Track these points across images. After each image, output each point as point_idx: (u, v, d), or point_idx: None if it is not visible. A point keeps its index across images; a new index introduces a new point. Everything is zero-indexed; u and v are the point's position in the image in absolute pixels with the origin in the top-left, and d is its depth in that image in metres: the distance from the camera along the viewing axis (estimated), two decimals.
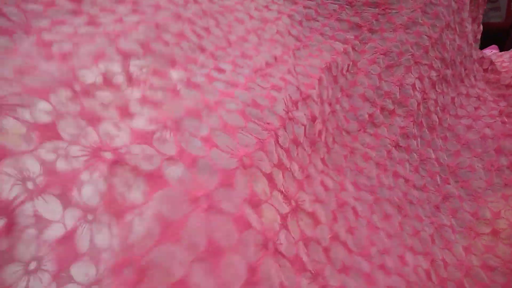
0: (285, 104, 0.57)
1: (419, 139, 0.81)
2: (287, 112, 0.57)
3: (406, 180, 0.73)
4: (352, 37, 0.86)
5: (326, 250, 0.50)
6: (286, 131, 0.55)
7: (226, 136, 0.46)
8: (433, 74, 0.89)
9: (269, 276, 0.39)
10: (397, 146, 0.77)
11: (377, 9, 0.90)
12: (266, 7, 0.81)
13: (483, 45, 1.44)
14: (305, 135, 0.60)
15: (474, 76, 1.04)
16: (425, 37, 0.90)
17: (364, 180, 0.68)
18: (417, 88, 0.85)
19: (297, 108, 0.59)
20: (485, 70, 1.12)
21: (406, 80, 0.84)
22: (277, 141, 0.52)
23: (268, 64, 0.64)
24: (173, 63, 0.51)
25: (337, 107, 0.73)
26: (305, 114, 0.60)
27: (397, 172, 0.74)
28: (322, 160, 0.63)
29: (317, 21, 0.86)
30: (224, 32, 0.65)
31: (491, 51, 1.47)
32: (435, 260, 0.62)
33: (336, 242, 0.52)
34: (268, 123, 0.52)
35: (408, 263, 0.59)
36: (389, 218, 0.65)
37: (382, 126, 0.77)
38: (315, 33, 0.83)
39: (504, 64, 1.19)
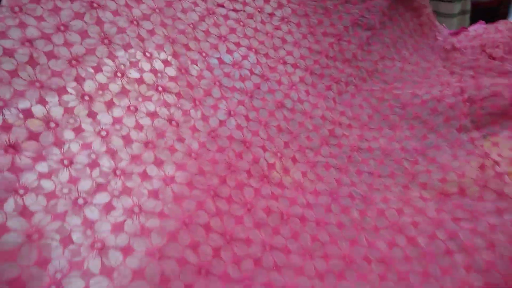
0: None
1: (380, 139, 0.96)
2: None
3: (371, 173, 0.87)
4: (312, 62, 1.04)
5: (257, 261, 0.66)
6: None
7: None
8: (376, 93, 1.08)
9: None
10: (358, 149, 0.92)
11: (333, 38, 1.10)
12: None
13: (473, 23, 1.55)
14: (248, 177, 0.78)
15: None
16: (363, 70, 1.11)
17: (324, 186, 0.83)
18: (365, 106, 1.04)
19: (241, 158, 0.79)
20: (447, 52, 1.28)
21: (354, 102, 1.03)
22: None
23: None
24: None
25: (301, 130, 0.91)
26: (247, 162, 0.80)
27: (360, 170, 0.88)
28: (277, 185, 0.80)
29: (284, 49, 1.03)
30: None
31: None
32: (405, 227, 0.76)
33: (271, 251, 0.68)
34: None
35: (365, 243, 0.73)
36: (347, 210, 0.78)
37: (343, 137, 0.94)
38: (278, 63, 1.00)
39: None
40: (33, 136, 0.61)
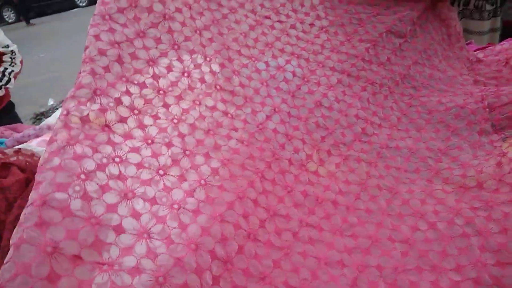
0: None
1: (407, 139, 1.06)
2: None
3: (398, 168, 0.97)
4: (349, 66, 1.15)
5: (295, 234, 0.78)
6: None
7: None
8: (406, 98, 1.19)
9: None
10: (387, 147, 1.02)
11: (369, 44, 1.21)
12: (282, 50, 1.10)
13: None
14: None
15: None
16: (397, 74, 1.21)
17: (354, 177, 0.94)
18: (395, 109, 1.14)
19: (283, 148, 0.91)
20: (472, 63, 1.37)
21: (385, 104, 1.14)
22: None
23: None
24: None
25: (336, 126, 1.02)
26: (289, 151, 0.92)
27: (388, 165, 0.98)
28: (314, 173, 0.92)
29: (323, 54, 1.15)
30: None
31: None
32: (425, 214, 0.86)
33: (307, 228, 0.80)
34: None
35: (390, 226, 0.84)
36: (375, 198, 0.89)
37: (373, 135, 1.04)
38: (318, 66, 1.11)
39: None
40: (122, 119, 0.75)
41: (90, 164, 0.66)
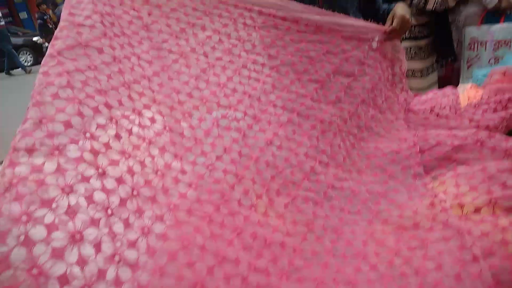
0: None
1: (350, 181, 1.12)
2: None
3: (342, 209, 1.02)
4: (299, 105, 1.19)
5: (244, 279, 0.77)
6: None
7: None
8: (351, 138, 1.25)
9: None
10: (332, 187, 1.07)
11: (317, 84, 1.26)
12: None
13: None
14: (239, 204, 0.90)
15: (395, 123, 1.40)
16: (346, 111, 1.28)
17: (302, 218, 0.96)
18: (342, 147, 1.20)
19: (233, 189, 0.92)
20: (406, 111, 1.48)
21: (334, 142, 1.19)
22: None
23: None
24: None
25: (286, 165, 1.05)
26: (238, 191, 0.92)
27: (333, 205, 1.03)
28: (263, 214, 0.92)
29: (274, 93, 1.18)
30: None
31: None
32: (367, 255, 0.89)
33: (255, 273, 0.80)
34: None
35: (335, 268, 0.86)
36: (320, 239, 0.92)
37: (321, 174, 1.09)
38: (269, 105, 1.15)
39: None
40: (72, 141, 0.75)
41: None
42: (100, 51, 0.89)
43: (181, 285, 0.70)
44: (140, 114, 0.88)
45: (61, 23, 0.89)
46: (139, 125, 0.87)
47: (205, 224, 0.82)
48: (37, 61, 11.19)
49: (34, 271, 0.56)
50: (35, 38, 11.29)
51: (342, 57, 1.34)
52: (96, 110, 0.80)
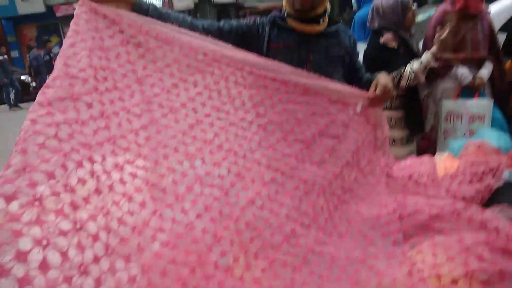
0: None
1: (331, 245, 1.12)
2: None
3: (321, 276, 1.00)
4: (283, 164, 1.19)
5: None
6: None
7: None
8: (335, 199, 1.26)
9: None
10: (312, 251, 1.06)
11: (302, 144, 1.28)
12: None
13: None
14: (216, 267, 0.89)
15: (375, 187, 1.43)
16: (330, 173, 1.30)
17: (279, 284, 0.94)
18: (325, 209, 1.20)
19: (211, 250, 0.90)
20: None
21: (317, 203, 1.20)
22: None
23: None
24: None
25: (266, 226, 1.03)
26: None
27: (312, 271, 1.01)
28: (239, 278, 0.90)
29: (259, 151, 1.18)
30: None
31: None
32: None
33: None
34: None
35: None
36: None
37: (302, 237, 1.08)
38: (253, 163, 1.14)
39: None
40: (55, 193, 0.73)
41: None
42: (89, 105, 0.90)
43: None
44: (122, 169, 0.88)
45: (55, 72, 0.90)
46: (121, 181, 0.86)
47: None
48: (22, 99, 11.22)
49: None
50: (23, 77, 11.37)
51: (328, 120, 1.38)
52: (80, 164, 0.80)
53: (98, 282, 0.70)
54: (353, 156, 1.40)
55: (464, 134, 2.41)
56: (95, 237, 0.74)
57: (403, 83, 2.20)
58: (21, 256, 0.61)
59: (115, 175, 0.86)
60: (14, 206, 0.66)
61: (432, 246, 1.04)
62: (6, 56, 10.80)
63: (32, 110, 0.80)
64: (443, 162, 1.80)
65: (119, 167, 0.87)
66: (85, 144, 0.84)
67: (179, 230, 0.89)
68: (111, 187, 0.83)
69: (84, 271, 0.68)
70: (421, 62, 2.13)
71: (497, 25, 2.68)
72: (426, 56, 2.12)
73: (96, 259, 0.71)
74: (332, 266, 1.05)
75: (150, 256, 0.80)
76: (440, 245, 1.04)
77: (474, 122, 2.40)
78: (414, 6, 2.45)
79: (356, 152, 1.42)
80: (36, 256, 0.63)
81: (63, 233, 0.69)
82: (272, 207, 1.09)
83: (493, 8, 2.72)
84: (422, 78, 2.17)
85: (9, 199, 0.66)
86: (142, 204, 0.86)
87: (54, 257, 0.65)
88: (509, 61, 2.83)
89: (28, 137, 0.75)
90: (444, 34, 2.06)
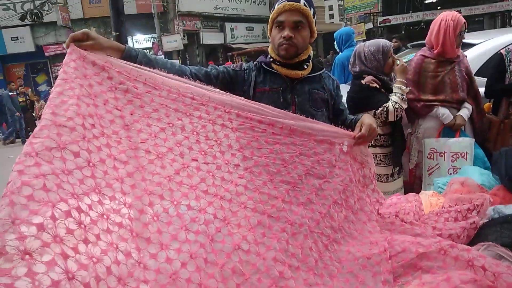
0: None
1: (322, 286, 1.10)
2: None
3: None
4: (270, 206, 1.19)
5: None
6: None
7: None
8: (324, 239, 1.25)
9: None
10: None
11: (289, 185, 1.28)
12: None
13: None
14: None
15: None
16: (317, 213, 1.30)
17: None
18: (314, 249, 1.19)
19: None
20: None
21: (305, 244, 1.19)
22: None
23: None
24: None
25: (252, 271, 1.02)
26: None
27: None
28: None
29: (245, 195, 1.17)
30: None
31: None
32: None
33: None
34: None
35: None
36: None
37: (291, 279, 1.07)
38: (239, 207, 1.13)
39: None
40: (45, 245, 0.73)
41: None
42: (76, 155, 0.91)
43: None
44: (108, 218, 0.88)
45: (42, 122, 0.91)
46: (107, 230, 0.86)
47: None
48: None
49: None
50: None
51: (314, 159, 1.40)
52: (68, 214, 0.80)
53: None
54: (341, 195, 1.41)
55: (448, 171, 2.46)
56: (87, 286, 0.73)
57: (391, 117, 2.31)
58: None
59: (102, 225, 0.86)
60: (4, 261, 0.65)
61: (420, 286, 1.04)
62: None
63: (19, 161, 0.80)
64: (428, 199, 1.83)
65: (105, 216, 0.87)
66: (72, 193, 0.84)
67: (163, 281, 0.88)
68: (98, 237, 0.83)
69: None
70: (395, 93, 2.38)
71: (474, 68, 2.82)
72: (396, 86, 2.42)
73: None
74: None
75: None
76: (428, 284, 1.04)
77: (457, 160, 2.46)
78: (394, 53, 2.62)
79: (344, 190, 1.43)
80: None
81: (56, 284, 0.68)
82: (259, 250, 1.08)
83: (469, 54, 2.87)
84: (405, 105, 2.36)
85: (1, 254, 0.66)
86: (128, 255, 0.86)
87: None
88: (488, 103, 2.95)
89: (16, 189, 0.75)
90: (401, 64, 2.45)
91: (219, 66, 1.66)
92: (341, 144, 1.50)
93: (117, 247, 0.84)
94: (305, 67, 1.64)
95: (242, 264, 1.03)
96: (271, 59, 1.64)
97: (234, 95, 1.37)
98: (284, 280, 1.06)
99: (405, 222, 1.48)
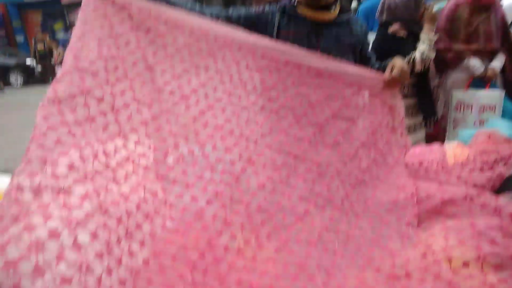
0: None
1: (346, 224, 1.12)
2: None
3: (335, 252, 1.02)
4: (296, 148, 1.18)
5: None
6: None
7: None
8: (351, 180, 1.25)
9: None
10: (327, 230, 1.07)
11: (315, 128, 1.26)
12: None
13: None
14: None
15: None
16: (345, 154, 1.29)
17: (294, 259, 0.95)
18: (340, 189, 1.20)
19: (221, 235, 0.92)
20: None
21: (332, 184, 1.20)
22: None
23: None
24: None
25: (277, 209, 1.04)
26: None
27: (326, 248, 1.02)
28: (251, 259, 0.92)
29: (271, 136, 1.17)
30: None
31: None
32: None
33: None
34: None
35: None
36: (313, 278, 0.92)
37: (317, 216, 1.08)
38: (265, 148, 1.14)
39: None
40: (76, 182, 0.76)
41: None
42: (100, 100, 0.91)
43: None
44: (133, 162, 0.90)
45: (65, 66, 0.90)
46: (134, 171, 0.88)
47: (188, 271, 0.81)
48: (28, 82, 11.40)
49: None
50: (28, 62, 11.44)
51: (342, 102, 1.36)
52: (95, 157, 0.82)
53: (119, 262, 0.72)
54: (369, 138, 1.38)
55: (474, 123, 2.40)
56: (119, 220, 0.76)
57: (418, 67, 2.21)
58: (54, 235, 0.64)
59: (128, 167, 0.87)
60: (42, 196, 0.69)
61: (443, 229, 1.05)
62: None
63: (43, 106, 0.82)
64: (453, 150, 1.80)
65: (131, 159, 0.89)
66: (98, 139, 0.85)
67: (189, 218, 0.91)
68: (126, 177, 0.85)
69: (109, 252, 0.70)
70: (423, 42, 2.18)
71: (510, 18, 2.65)
72: (424, 35, 2.20)
73: (119, 241, 0.74)
74: (347, 245, 1.06)
75: (161, 242, 0.83)
76: (452, 228, 1.04)
77: (485, 112, 2.39)
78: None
79: (372, 133, 1.40)
80: (67, 238, 0.65)
81: (91, 215, 0.71)
82: (284, 190, 1.09)
83: (505, 2, 2.69)
84: (433, 55, 2.21)
85: (37, 191, 0.68)
86: (154, 194, 0.88)
87: (84, 238, 0.68)
88: None
89: (43, 133, 0.77)
90: (431, 10, 2.21)
91: (241, 9, 1.57)
92: (371, 87, 1.45)
93: (144, 187, 0.87)
94: (332, 10, 1.55)
95: (267, 202, 1.04)
96: (296, 1, 1.56)
97: (259, 36, 1.32)
98: (309, 217, 1.08)
99: (429, 171, 1.46)
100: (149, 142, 0.96)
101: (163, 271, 0.78)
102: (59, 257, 0.63)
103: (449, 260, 0.97)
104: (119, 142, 0.90)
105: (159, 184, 0.92)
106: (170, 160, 0.97)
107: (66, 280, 0.61)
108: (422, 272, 0.93)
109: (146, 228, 0.82)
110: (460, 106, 2.46)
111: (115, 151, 0.87)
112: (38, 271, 0.59)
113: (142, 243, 0.80)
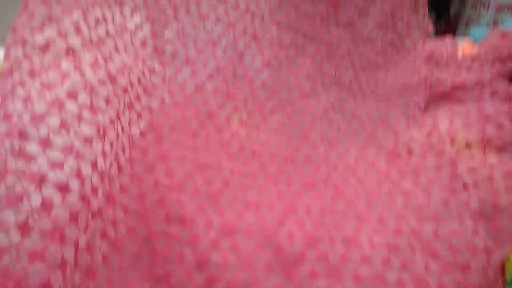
0: None
1: (353, 104, 1.09)
2: None
3: (338, 128, 1.01)
4: (306, 25, 1.08)
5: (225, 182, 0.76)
6: None
7: None
8: (363, 61, 1.16)
9: None
10: (333, 108, 1.05)
11: (329, 3, 1.12)
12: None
13: None
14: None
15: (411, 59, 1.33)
16: (358, 35, 1.20)
17: (297, 131, 0.93)
18: (349, 69, 1.14)
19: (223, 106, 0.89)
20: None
21: (341, 64, 1.14)
22: None
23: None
24: None
25: (283, 86, 0.99)
26: None
27: (331, 122, 1.01)
28: (254, 128, 0.89)
29: (279, 12, 1.05)
30: None
31: None
32: (357, 171, 0.90)
33: (239, 176, 0.79)
34: None
35: (324, 173, 0.87)
36: (316, 147, 0.91)
37: (323, 95, 1.04)
38: (272, 24, 1.02)
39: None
40: (86, 44, 0.68)
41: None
42: None
43: (158, 191, 0.68)
44: (131, 33, 0.81)
45: None
46: (131, 42, 0.80)
47: (188, 139, 0.79)
48: None
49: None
50: None
51: None
52: (97, 21, 0.73)
53: (123, 129, 0.69)
54: (387, 18, 1.29)
55: (488, 23, 2.28)
56: (125, 90, 0.71)
57: None
58: (72, 96, 0.60)
59: (126, 37, 0.79)
60: (51, 54, 0.62)
61: (449, 112, 1.03)
62: None
63: None
64: (462, 47, 1.72)
65: (128, 31, 0.80)
66: (97, 2, 0.76)
67: (189, 91, 0.85)
68: (125, 50, 0.78)
69: (118, 119, 0.67)
70: None
71: None
72: None
73: (123, 110, 0.70)
74: (352, 122, 1.04)
75: (158, 115, 0.78)
76: (459, 112, 1.02)
77: (501, 12, 2.25)
78: None
79: (392, 13, 1.30)
80: (84, 98, 0.61)
81: (103, 83, 0.66)
82: (290, 68, 1.04)
83: None
84: None
85: (43, 49, 0.61)
86: (152, 70, 0.82)
87: (100, 103, 0.62)
88: None
89: None
90: None
91: None
92: None
93: (144, 60, 0.80)
94: None
95: (272, 79, 0.99)
96: None
97: None
98: (314, 97, 1.04)
99: (440, 65, 1.40)
100: (146, 12, 0.87)
101: (159, 141, 0.76)
102: (79, 118, 0.60)
103: (452, 142, 0.97)
104: (115, 8, 0.81)
105: (158, 58, 0.85)
106: (169, 33, 0.89)
107: (87, 140, 0.58)
108: (425, 149, 0.93)
109: (144, 101, 0.78)
110: (477, 3, 2.32)
111: (113, 17, 0.79)
112: (64, 127, 0.56)
113: (139, 115, 0.76)
